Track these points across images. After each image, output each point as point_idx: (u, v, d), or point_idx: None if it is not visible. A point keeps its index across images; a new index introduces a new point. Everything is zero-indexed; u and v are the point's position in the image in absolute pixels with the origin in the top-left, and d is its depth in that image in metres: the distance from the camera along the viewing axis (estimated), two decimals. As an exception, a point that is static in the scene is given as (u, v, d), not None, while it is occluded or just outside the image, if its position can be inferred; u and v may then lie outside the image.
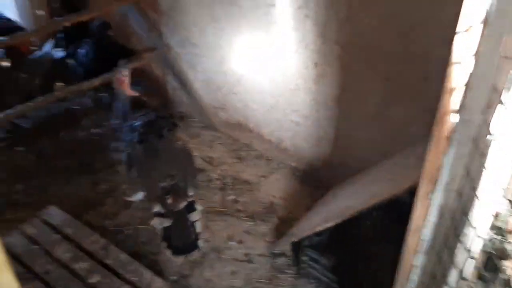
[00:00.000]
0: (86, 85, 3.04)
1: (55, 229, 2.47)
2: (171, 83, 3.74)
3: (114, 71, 2.61)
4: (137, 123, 2.39)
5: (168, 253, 2.38)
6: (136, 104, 2.50)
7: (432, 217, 1.25)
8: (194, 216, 2.34)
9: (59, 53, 3.75)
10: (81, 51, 3.67)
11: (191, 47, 3.35)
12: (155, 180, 2.27)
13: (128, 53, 3.83)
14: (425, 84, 2.29)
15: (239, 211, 2.80)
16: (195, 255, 2.47)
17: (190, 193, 2.32)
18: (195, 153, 3.25)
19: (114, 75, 2.52)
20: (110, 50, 3.71)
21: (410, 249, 1.36)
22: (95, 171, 3.07)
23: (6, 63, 3.17)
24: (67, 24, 3.07)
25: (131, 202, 2.81)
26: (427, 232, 1.29)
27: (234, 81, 3.20)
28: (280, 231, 2.68)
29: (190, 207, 2.32)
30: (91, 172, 3.06)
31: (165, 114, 2.52)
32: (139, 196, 2.67)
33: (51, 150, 3.25)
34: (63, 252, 2.33)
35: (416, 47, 2.22)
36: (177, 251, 2.40)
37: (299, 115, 2.92)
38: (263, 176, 3.07)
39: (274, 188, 2.99)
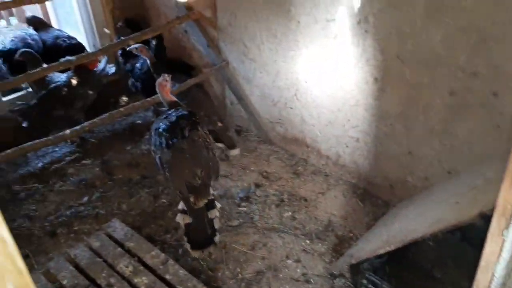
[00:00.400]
0: (148, 101, 3.13)
1: (117, 242, 2.56)
2: (229, 97, 3.79)
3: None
4: (162, 126, 2.46)
5: (188, 247, 2.47)
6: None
7: (506, 253, 1.16)
8: (213, 213, 2.45)
9: (111, 69, 3.94)
10: (138, 66, 3.82)
11: (248, 62, 3.38)
12: (182, 180, 2.36)
13: (186, 68, 3.95)
14: (494, 100, 2.17)
15: (296, 228, 2.77)
16: (211, 249, 2.52)
17: (212, 191, 2.45)
18: (252, 168, 3.28)
19: (157, 84, 2.62)
20: (168, 65, 3.83)
21: (481, 286, 1.27)
22: (156, 184, 3.15)
23: (74, 81, 3.34)
24: (132, 42, 3.18)
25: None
26: (500, 269, 1.20)
27: (290, 96, 3.18)
28: (338, 250, 2.61)
29: (210, 205, 2.44)
30: (152, 185, 3.15)
31: (185, 113, 2.51)
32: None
33: (116, 163, 3.38)
34: (125, 265, 2.40)
35: (485, 61, 2.11)
36: (194, 246, 2.47)
37: (359, 130, 2.85)
38: (321, 193, 3.02)
39: (332, 205, 2.93)
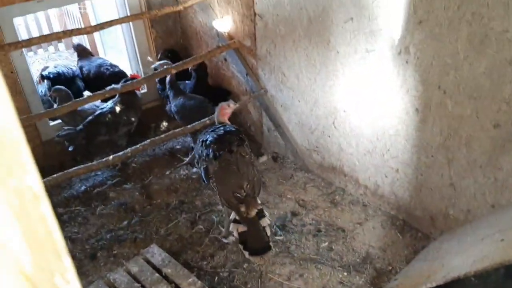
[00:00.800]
0: (188, 129, 3.20)
1: (155, 268, 2.60)
2: (266, 124, 3.82)
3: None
4: (210, 138, 2.62)
5: (246, 254, 2.55)
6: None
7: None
8: (264, 222, 2.55)
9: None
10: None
11: (286, 90, 3.41)
12: (230, 191, 2.50)
13: (226, 95, 4.03)
14: (542, 134, 2.09)
15: (333, 259, 2.72)
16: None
17: (259, 201, 2.58)
18: (289, 196, 3.27)
19: (220, 105, 2.85)
20: (208, 92, 3.92)
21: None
22: (194, 210, 3.19)
23: (118, 108, 3.46)
24: (174, 71, 3.28)
25: (227, 243, 2.88)
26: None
27: (328, 124, 3.18)
28: (377, 284, 2.55)
29: (261, 214, 2.55)
30: (190, 210, 3.19)
31: (233, 130, 2.70)
32: (232, 238, 2.77)
33: (155, 187, 3.46)
34: (162, 292, 2.43)
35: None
36: (253, 252, 2.56)
37: (398, 161, 2.80)
38: (359, 223, 2.97)
39: (371, 236, 2.87)
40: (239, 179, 2.51)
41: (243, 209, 2.47)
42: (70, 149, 3.40)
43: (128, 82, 3.14)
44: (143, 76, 4.06)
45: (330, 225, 2.97)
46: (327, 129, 3.22)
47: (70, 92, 3.56)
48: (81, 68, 4.20)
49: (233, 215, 2.58)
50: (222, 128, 2.71)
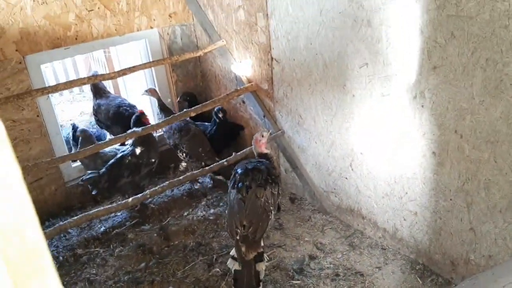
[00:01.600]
0: (206, 170, 3.25)
1: (172, 312, 2.58)
2: (284, 165, 3.85)
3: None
4: (239, 170, 2.76)
5: None
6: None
7: None
8: (260, 266, 2.57)
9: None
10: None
11: (303, 132, 3.45)
12: (233, 224, 2.57)
13: (240, 129, 4.11)
14: None
15: (352, 305, 2.67)
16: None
17: (262, 244, 2.60)
18: (306, 238, 3.24)
19: (254, 137, 3.01)
20: (225, 133, 4.00)
21: None
22: (211, 252, 3.19)
23: (139, 149, 3.54)
24: (193, 114, 3.37)
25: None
26: None
27: (345, 166, 3.19)
28: (397, 332, 2.48)
29: (259, 258, 2.57)
30: (208, 253, 3.19)
31: (262, 168, 2.76)
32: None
33: (173, 229, 3.47)
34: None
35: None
36: None
37: (417, 204, 2.78)
38: (378, 267, 2.92)
39: (391, 281, 2.81)
40: (241, 216, 2.56)
41: (243, 249, 2.52)
42: (93, 192, 3.48)
43: (148, 126, 3.22)
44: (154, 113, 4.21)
45: (348, 269, 2.92)
46: (344, 171, 3.22)
47: (93, 135, 3.67)
48: (98, 106, 4.23)
49: (232, 252, 2.64)
50: (256, 163, 2.81)
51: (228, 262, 2.66)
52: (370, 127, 2.88)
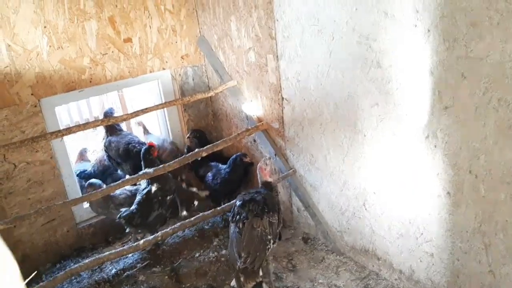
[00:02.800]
0: (218, 211, 3.23)
1: None
2: (296, 204, 3.81)
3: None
4: (238, 202, 2.85)
5: None
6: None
7: None
8: None
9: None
10: (210, 175, 4.02)
11: (314, 171, 3.43)
12: (233, 256, 2.66)
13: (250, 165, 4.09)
14: None
15: None
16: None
17: (261, 273, 2.65)
18: (320, 280, 3.17)
19: (258, 167, 3.05)
20: (240, 173, 3.99)
21: None
22: (223, 295, 3.13)
23: (154, 187, 3.55)
24: (205, 154, 3.38)
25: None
26: None
27: (359, 206, 3.15)
28: None
29: (258, 287, 2.63)
30: (219, 296, 3.13)
31: (258, 199, 2.83)
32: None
33: (184, 271, 3.42)
34: None
35: None
36: None
37: (433, 245, 2.71)
38: (395, 311, 2.84)
39: (408, 326, 2.72)
40: (239, 248, 2.64)
41: (242, 279, 2.59)
42: (127, 230, 3.55)
43: (160, 167, 3.23)
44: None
45: (364, 313, 2.84)
46: (357, 211, 3.18)
47: (102, 185, 3.69)
48: (109, 142, 4.25)
49: (233, 282, 2.71)
50: (254, 194, 2.88)
51: None
52: (382, 166, 2.85)
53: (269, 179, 3.04)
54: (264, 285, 2.70)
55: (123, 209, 3.54)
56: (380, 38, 2.54)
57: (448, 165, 2.45)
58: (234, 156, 3.97)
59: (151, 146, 3.67)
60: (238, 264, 2.59)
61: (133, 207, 3.51)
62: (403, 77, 2.50)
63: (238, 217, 2.77)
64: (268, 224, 2.73)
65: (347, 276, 3.20)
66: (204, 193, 4.13)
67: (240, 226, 2.72)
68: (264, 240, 2.68)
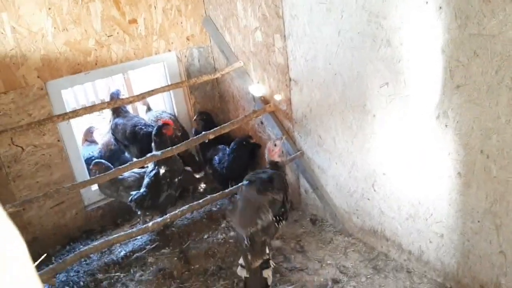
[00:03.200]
0: (226, 193, 3.22)
1: None
2: (303, 186, 3.80)
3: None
4: (245, 182, 2.92)
5: None
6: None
7: None
8: (266, 273, 2.71)
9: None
10: (217, 158, 4.00)
11: (322, 153, 3.41)
12: (242, 237, 2.67)
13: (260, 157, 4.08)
14: None
15: (378, 332, 2.59)
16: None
17: (267, 251, 2.73)
18: (329, 261, 3.18)
19: (267, 147, 3.10)
20: (247, 158, 3.97)
21: None
22: (232, 277, 3.13)
23: (162, 170, 3.55)
24: (212, 137, 3.36)
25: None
26: None
27: (367, 187, 3.13)
28: None
29: (265, 264, 2.70)
30: (228, 277, 3.14)
31: (264, 178, 2.89)
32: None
33: (193, 252, 3.44)
34: None
35: None
36: None
37: (443, 226, 2.70)
38: (404, 292, 2.83)
39: (417, 307, 2.72)
40: (243, 226, 2.68)
41: (249, 257, 2.64)
42: (138, 212, 3.57)
43: (168, 149, 3.22)
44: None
45: (373, 294, 2.85)
46: (366, 192, 3.16)
47: (111, 166, 3.69)
48: (116, 125, 4.25)
49: (241, 260, 2.75)
50: (262, 172, 2.95)
51: (237, 270, 2.79)
52: (392, 147, 2.82)
53: (277, 159, 3.06)
54: (271, 262, 2.75)
55: (133, 192, 3.55)
56: (391, 16, 2.48)
57: (460, 145, 2.41)
58: (237, 139, 3.95)
59: (165, 124, 3.65)
60: (245, 242, 2.62)
61: (142, 189, 3.52)
62: (413, 55, 2.45)
63: (243, 196, 2.84)
64: (272, 201, 2.78)
65: (355, 257, 3.20)
66: (198, 175, 4.18)
67: (245, 205, 2.78)
68: (261, 216, 2.69)
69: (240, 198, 2.89)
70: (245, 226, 2.65)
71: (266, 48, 3.54)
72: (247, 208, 2.76)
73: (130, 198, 3.50)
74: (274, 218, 2.75)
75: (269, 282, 2.72)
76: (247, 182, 2.90)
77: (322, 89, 3.17)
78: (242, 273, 2.73)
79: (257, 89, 3.81)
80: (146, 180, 3.57)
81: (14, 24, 3.25)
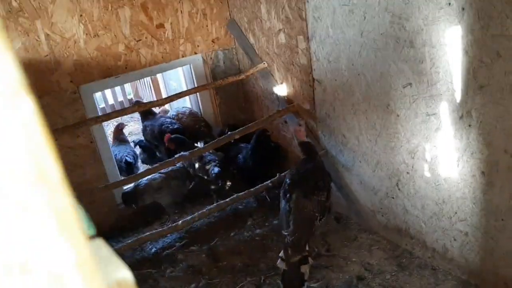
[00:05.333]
0: (252, 192, 3.32)
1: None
2: (328, 185, 3.85)
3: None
4: (288, 181, 3.03)
5: None
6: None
7: None
8: (304, 268, 2.78)
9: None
10: (241, 156, 4.09)
11: (346, 151, 3.46)
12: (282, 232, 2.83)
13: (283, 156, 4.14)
14: None
15: (403, 329, 2.64)
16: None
17: (307, 248, 2.81)
18: (353, 259, 3.23)
19: (292, 127, 3.27)
20: (268, 154, 4.05)
21: None
22: (259, 273, 3.23)
23: (197, 164, 3.69)
24: (237, 136, 3.45)
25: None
26: None
27: (392, 186, 3.17)
28: None
29: (304, 260, 2.79)
30: (255, 274, 3.23)
31: (309, 176, 3.00)
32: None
33: (221, 249, 3.55)
34: None
35: None
36: None
37: (467, 224, 2.72)
38: (429, 289, 2.87)
39: (442, 303, 2.76)
40: (287, 226, 2.81)
41: (289, 251, 2.75)
42: (220, 184, 3.92)
43: (196, 149, 3.33)
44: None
45: (398, 291, 2.89)
46: (390, 191, 3.20)
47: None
48: (145, 127, 4.57)
49: (281, 253, 2.84)
50: (305, 170, 3.04)
51: (278, 262, 2.86)
52: (416, 146, 2.86)
53: (306, 139, 3.18)
54: (309, 259, 2.82)
55: (214, 168, 3.79)
56: (413, 17, 2.51)
57: (483, 144, 2.44)
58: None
59: (168, 139, 3.89)
60: (286, 239, 2.75)
61: (215, 169, 3.78)
62: (436, 56, 2.48)
63: (288, 196, 2.92)
64: (317, 203, 2.88)
65: (380, 254, 3.24)
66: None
67: (291, 205, 2.87)
68: (312, 220, 2.85)
69: (286, 197, 2.95)
70: (293, 234, 2.77)
71: (290, 50, 3.61)
72: (295, 214, 2.84)
73: (213, 172, 3.77)
74: (318, 218, 2.89)
75: (306, 277, 2.80)
76: (290, 181, 3.00)
77: (345, 89, 3.22)
78: (281, 265, 2.82)
79: (281, 89, 3.89)
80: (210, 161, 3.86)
81: (48, 31, 3.41)
